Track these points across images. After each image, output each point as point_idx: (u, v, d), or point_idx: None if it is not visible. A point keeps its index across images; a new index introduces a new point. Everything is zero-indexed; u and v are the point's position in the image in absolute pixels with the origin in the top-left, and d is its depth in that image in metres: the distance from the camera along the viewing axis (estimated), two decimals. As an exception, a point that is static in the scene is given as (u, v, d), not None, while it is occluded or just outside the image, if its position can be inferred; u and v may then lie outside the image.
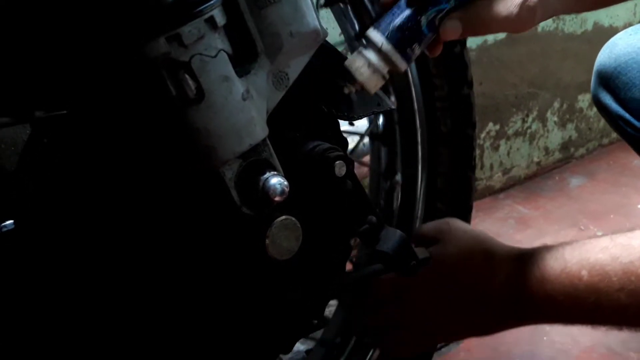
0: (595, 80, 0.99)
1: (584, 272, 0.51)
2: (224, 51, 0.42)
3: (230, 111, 0.43)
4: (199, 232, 0.47)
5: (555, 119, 1.89)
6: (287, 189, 0.45)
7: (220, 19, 0.41)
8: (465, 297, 0.60)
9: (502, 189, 1.78)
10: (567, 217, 1.63)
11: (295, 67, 0.48)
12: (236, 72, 0.44)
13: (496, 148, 1.74)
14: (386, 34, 0.54)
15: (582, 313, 0.53)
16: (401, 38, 0.54)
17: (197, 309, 0.50)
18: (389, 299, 0.61)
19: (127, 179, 0.44)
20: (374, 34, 0.54)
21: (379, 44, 0.54)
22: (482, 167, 1.71)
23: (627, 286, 0.49)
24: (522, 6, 0.53)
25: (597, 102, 1.00)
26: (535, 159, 1.88)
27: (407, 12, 0.53)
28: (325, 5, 0.71)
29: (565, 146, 1.94)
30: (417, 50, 0.55)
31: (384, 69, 0.54)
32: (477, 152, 1.69)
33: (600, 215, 1.61)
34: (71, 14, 0.37)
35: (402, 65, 0.55)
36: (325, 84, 0.53)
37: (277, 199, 0.45)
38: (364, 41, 0.55)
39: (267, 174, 0.45)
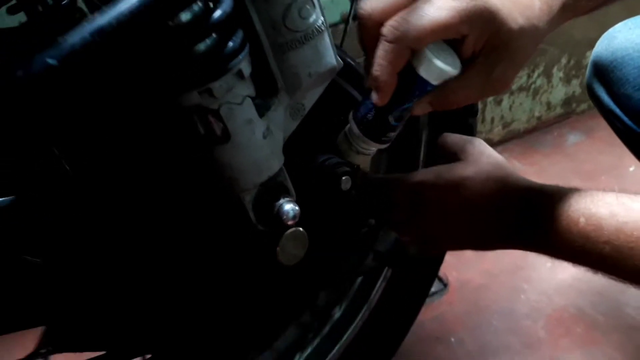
0: (591, 70, 1.00)
1: (582, 220, 0.55)
2: (249, 96, 0.47)
3: (252, 149, 0.48)
4: (225, 241, 0.54)
5: (561, 74, 1.90)
6: (298, 214, 0.51)
7: (246, 70, 0.46)
8: (475, 216, 0.64)
9: (500, 142, 1.83)
10: (560, 176, 1.68)
11: (311, 99, 0.53)
12: (257, 110, 0.49)
13: (499, 102, 1.77)
14: (360, 126, 0.58)
15: (569, 252, 0.58)
16: (373, 131, 0.58)
17: (215, 300, 0.58)
18: (407, 208, 0.64)
19: (166, 201, 0.50)
20: (352, 123, 0.58)
21: (356, 134, 0.58)
22: (483, 121, 1.75)
23: (613, 241, 0.54)
24: (490, 85, 0.56)
25: (590, 91, 1.02)
26: (537, 114, 1.91)
27: (375, 110, 0.56)
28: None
29: (567, 102, 1.96)
30: (394, 134, 0.59)
31: (367, 151, 0.59)
32: (480, 106, 1.73)
33: (592, 176, 1.66)
34: (127, 74, 0.41)
35: (381, 147, 0.59)
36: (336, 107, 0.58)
37: (289, 223, 0.51)
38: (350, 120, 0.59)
39: (282, 200, 0.51)
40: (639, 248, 0.52)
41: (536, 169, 1.73)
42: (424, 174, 0.63)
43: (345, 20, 0.83)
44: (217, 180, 0.49)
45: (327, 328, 0.85)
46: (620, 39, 0.97)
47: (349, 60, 0.65)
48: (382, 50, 0.53)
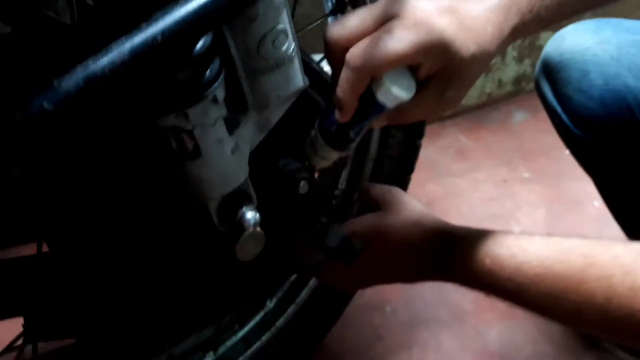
0: (540, 67, 1.05)
1: (487, 260, 0.64)
2: (221, 117, 0.50)
3: (221, 164, 0.53)
4: (192, 240, 0.59)
5: (515, 53, 1.97)
6: (258, 221, 0.56)
7: (220, 95, 0.49)
8: (399, 258, 0.73)
9: (450, 117, 1.90)
10: (503, 154, 1.77)
11: (277, 115, 0.57)
12: (228, 127, 0.52)
13: (453, 78, 1.82)
14: (324, 136, 0.63)
15: (480, 287, 0.66)
16: (335, 141, 0.63)
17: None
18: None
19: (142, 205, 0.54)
20: (317, 133, 0.63)
21: (320, 142, 0.63)
22: (436, 95, 1.80)
23: (513, 278, 0.62)
24: (441, 105, 0.61)
25: (537, 86, 1.08)
26: (487, 90, 1.98)
27: (337, 124, 0.61)
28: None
29: (518, 80, 2.04)
30: (354, 144, 0.64)
31: (330, 157, 0.64)
32: (435, 80, 1.79)
33: (531, 157, 1.76)
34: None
35: (342, 154, 0.64)
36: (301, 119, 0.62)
37: (249, 229, 0.56)
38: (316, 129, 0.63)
39: (244, 208, 0.56)
40: (534, 284, 0.60)
41: (481, 145, 1.81)
42: (353, 226, 0.72)
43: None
44: (187, 189, 0.53)
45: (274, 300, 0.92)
46: (568, 41, 1.02)
47: (313, 66, 0.69)
48: (345, 75, 0.57)
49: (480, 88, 1.91)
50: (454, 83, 0.61)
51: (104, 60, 0.37)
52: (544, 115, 1.14)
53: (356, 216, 0.74)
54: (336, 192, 0.89)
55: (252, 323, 0.89)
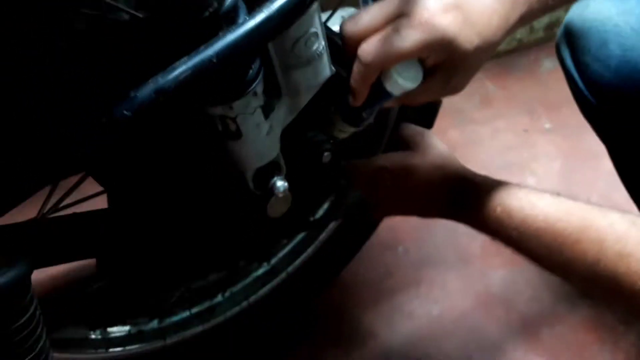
0: (562, 32, 1.06)
1: (499, 209, 0.71)
2: (260, 106, 0.60)
3: (258, 144, 0.63)
4: (234, 200, 0.71)
5: None
6: (287, 189, 0.67)
7: (260, 89, 0.59)
8: (420, 196, 0.81)
9: (479, 63, 1.92)
10: (527, 103, 1.78)
11: (307, 99, 0.66)
12: (264, 111, 0.62)
13: (485, 24, 1.83)
14: (341, 114, 0.71)
15: (488, 231, 0.75)
16: (351, 119, 0.71)
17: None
18: (367, 187, 0.83)
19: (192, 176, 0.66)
20: (335, 110, 0.72)
21: (338, 119, 0.72)
22: (466, 41, 1.82)
23: (519, 228, 0.69)
24: (447, 90, 0.68)
25: (557, 50, 1.11)
26: (518, 36, 1.97)
27: (352, 107, 0.69)
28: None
29: (550, 26, 2.02)
30: (368, 122, 0.72)
31: (347, 130, 0.73)
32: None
33: (554, 107, 1.76)
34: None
35: (358, 129, 0.73)
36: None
37: (279, 195, 0.67)
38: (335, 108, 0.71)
39: (275, 177, 0.67)
40: (536, 236, 0.68)
41: (507, 93, 1.83)
42: (382, 160, 0.80)
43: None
44: (229, 162, 0.64)
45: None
46: (592, 8, 1.02)
47: (337, 41, 0.76)
48: (357, 68, 0.65)
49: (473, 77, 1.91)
50: (459, 72, 0.67)
51: (170, 77, 0.47)
52: (573, 63, 1.16)
53: (386, 151, 0.82)
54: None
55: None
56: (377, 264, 1.35)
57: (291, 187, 0.71)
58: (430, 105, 0.95)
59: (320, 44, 0.61)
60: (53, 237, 0.65)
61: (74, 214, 0.66)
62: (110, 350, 0.91)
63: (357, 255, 1.23)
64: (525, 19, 0.69)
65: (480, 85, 1.86)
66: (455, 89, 0.70)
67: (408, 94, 0.68)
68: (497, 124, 1.74)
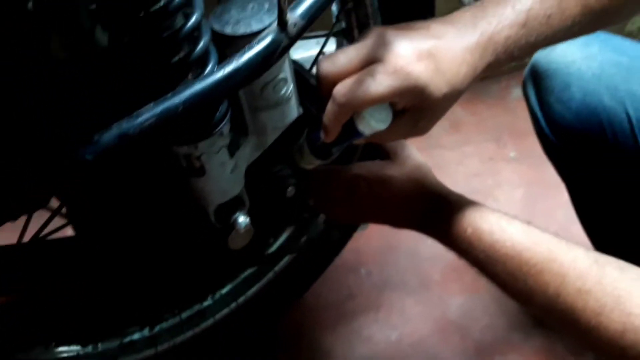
0: (528, 70, 1.10)
1: (469, 229, 0.72)
2: (225, 146, 0.61)
3: (221, 181, 0.64)
4: (193, 232, 0.71)
5: (522, 30, 1.99)
6: (249, 224, 0.68)
7: (226, 129, 0.60)
8: (394, 207, 0.82)
9: (451, 87, 1.95)
10: (494, 130, 1.82)
11: (273, 137, 0.67)
12: (229, 149, 0.63)
13: (458, 51, 1.86)
14: (310, 148, 0.72)
15: (457, 250, 0.75)
16: (320, 153, 0.73)
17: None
18: (341, 194, 0.83)
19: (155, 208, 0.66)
20: (305, 143, 0.72)
21: (307, 152, 0.72)
22: (439, 66, 1.85)
23: (487, 252, 0.70)
24: (414, 132, 0.70)
25: (523, 87, 1.15)
26: (491, 63, 2.01)
27: (322, 141, 0.69)
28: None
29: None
30: (336, 156, 0.74)
31: (314, 163, 0.74)
32: (440, 52, 1.84)
33: (520, 135, 1.80)
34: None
35: (325, 163, 0.74)
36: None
37: (240, 231, 0.68)
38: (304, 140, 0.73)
39: (237, 213, 0.68)
40: (502, 261, 0.70)
41: (475, 119, 1.87)
42: (358, 169, 0.81)
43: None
44: (191, 197, 0.65)
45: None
46: (558, 51, 1.07)
47: (309, 79, 0.78)
48: (331, 107, 0.66)
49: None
50: (426, 116, 0.69)
51: (135, 122, 0.47)
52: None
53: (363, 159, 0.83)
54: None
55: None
56: (340, 286, 1.37)
57: (253, 220, 0.72)
58: None
59: (289, 88, 0.62)
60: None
61: (40, 239, 0.66)
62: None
63: (320, 276, 1.24)
64: (491, 68, 0.71)
65: (451, 110, 1.88)
66: (421, 131, 0.72)
67: (375, 134, 0.70)
68: (464, 150, 1.77)
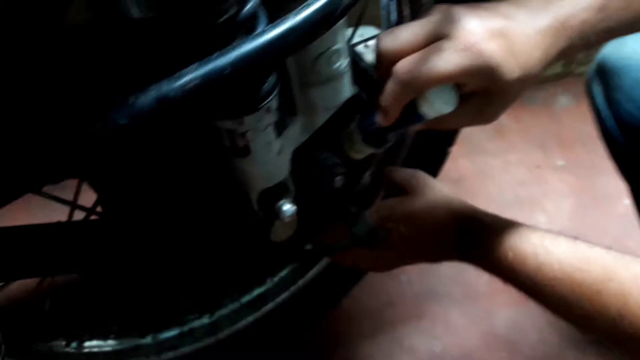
0: (594, 68, 1.04)
1: (510, 254, 0.67)
2: (272, 123, 0.55)
3: (267, 163, 0.58)
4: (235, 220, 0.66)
5: (570, 35, 1.92)
6: (294, 213, 0.62)
7: (274, 105, 0.54)
8: (425, 242, 0.77)
9: (494, 93, 1.88)
10: (539, 138, 1.76)
11: (322, 119, 0.62)
12: (276, 128, 0.57)
13: (503, 55, 1.80)
14: (363, 134, 0.66)
15: (500, 276, 0.71)
16: (373, 140, 0.67)
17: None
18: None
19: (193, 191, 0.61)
20: (356, 129, 0.67)
21: (358, 138, 0.67)
22: (483, 70, 1.79)
23: (533, 277, 0.65)
24: (481, 118, 0.64)
25: (588, 86, 1.09)
26: (536, 70, 1.94)
27: (377, 126, 0.64)
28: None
29: (568, 62, 1.99)
30: (390, 144, 0.67)
31: (365, 152, 0.68)
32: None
33: (568, 144, 1.74)
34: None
35: (377, 151, 0.68)
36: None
37: (285, 220, 0.62)
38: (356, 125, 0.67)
39: (282, 200, 0.62)
40: (551, 286, 0.64)
41: (520, 126, 1.80)
42: (381, 211, 0.76)
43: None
44: (233, 180, 0.59)
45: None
46: (629, 47, 0.99)
47: (361, 64, 0.72)
48: (391, 87, 0.61)
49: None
50: (495, 102, 0.64)
51: (176, 85, 0.42)
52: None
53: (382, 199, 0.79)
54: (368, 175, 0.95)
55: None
56: (380, 293, 1.30)
57: (298, 210, 0.67)
58: (442, 150, 0.91)
59: (343, 63, 0.57)
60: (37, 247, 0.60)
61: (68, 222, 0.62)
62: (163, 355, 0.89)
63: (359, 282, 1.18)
64: (564, 55, 0.66)
65: (494, 115, 1.83)
66: (487, 119, 0.66)
67: (439, 119, 0.64)
68: (509, 157, 1.71)
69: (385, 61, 0.61)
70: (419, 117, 0.63)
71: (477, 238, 0.72)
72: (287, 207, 0.62)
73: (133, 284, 0.83)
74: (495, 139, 1.75)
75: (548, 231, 0.70)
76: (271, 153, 0.58)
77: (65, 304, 0.97)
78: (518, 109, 1.85)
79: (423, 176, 0.80)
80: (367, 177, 0.92)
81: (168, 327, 0.94)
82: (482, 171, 1.66)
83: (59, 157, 0.42)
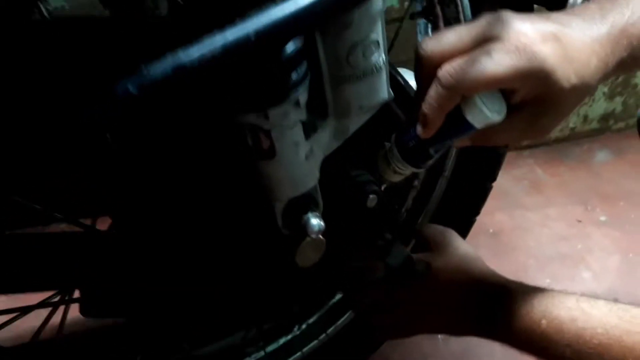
0: None
1: (544, 322, 0.60)
2: (300, 122, 0.50)
3: (294, 167, 0.52)
4: (252, 237, 0.59)
5: (605, 90, 1.88)
6: (323, 229, 0.55)
7: (303, 99, 0.49)
8: (443, 306, 0.70)
9: (528, 147, 1.83)
10: (579, 192, 1.69)
11: (356, 124, 0.56)
12: (305, 130, 0.52)
13: (537, 108, 1.76)
14: (401, 150, 0.60)
15: (532, 350, 0.63)
16: (412, 157, 0.61)
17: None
18: (383, 296, 0.73)
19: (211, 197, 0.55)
20: (393, 145, 0.61)
21: (396, 156, 0.61)
22: (516, 123, 1.75)
23: (573, 345, 0.58)
24: (532, 132, 0.58)
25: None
26: (571, 125, 1.90)
27: (417, 140, 0.58)
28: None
29: (605, 117, 1.95)
30: (431, 162, 0.61)
31: (403, 172, 0.62)
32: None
33: (611, 199, 1.67)
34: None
35: (417, 171, 0.62)
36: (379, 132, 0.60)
37: (313, 236, 0.55)
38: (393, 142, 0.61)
39: (310, 214, 0.55)
40: (597, 354, 0.56)
41: (558, 181, 1.74)
42: None
43: (400, 19, 0.85)
44: (256, 186, 0.53)
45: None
46: None
47: (398, 78, 0.67)
48: (434, 92, 0.55)
49: (563, 122, 1.83)
50: (549, 112, 0.57)
51: (195, 52, 0.37)
52: (629, 157, 1.08)
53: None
54: (403, 210, 0.87)
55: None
56: (413, 352, 1.20)
57: (326, 233, 0.60)
58: (494, 154, 0.84)
59: (380, 57, 0.51)
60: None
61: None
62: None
63: (392, 341, 1.10)
64: (625, 66, 0.60)
65: (529, 170, 1.77)
66: (540, 131, 0.60)
67: (486, 132, 0.58)
68: (547, 211, 1.63)
69: (428, 65, 0.56)
70: (464, 128, 0.57)
71: (501, 305, 0.65)
72: (316, 222, 0.55)
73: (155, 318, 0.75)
74: (532, 193, 1.69)
75: (582, 294, 0.62)
76: (298, 156, 0.52)
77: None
78: (554, 164, 1.80)
79: (450, 234, 0.75)
80: (404, 208, 0.86)
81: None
82: (520, 225, 1.58)
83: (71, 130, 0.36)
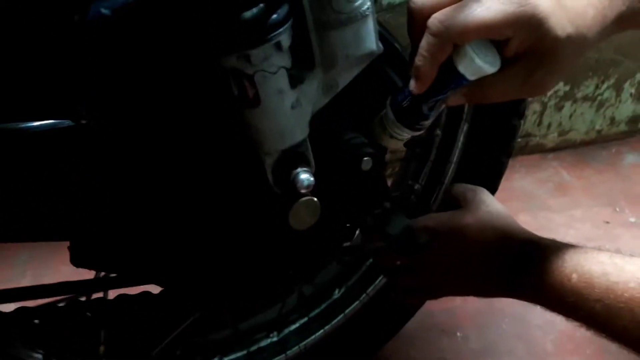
0: None
1: (575, 276, 0.58)
2: (284, 67, 0.49)
3: (279, 117, 0.51)
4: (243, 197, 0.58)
5: (632, 90, 1.83)
6: (312, 184, 0.54)
7: (285, 42, 0.48)
8: (473, 264, 0.68)
9: (553, 149, 1.79)
10: (607, 195, 1.64)
11: (345, 78, 0.55)
12: (291, 80, 0.51)
13: (559, 109, 1.73)
14: (395, 112, 0.59)
15: (561, 306, 0.60)
16: (407, 118, 0.59)
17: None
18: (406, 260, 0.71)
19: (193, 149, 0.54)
20: (388, 108, 0.60)
21: (390, 119, 0.60)
22: (539, 124, 1.72)
23: (604, 300, 0.55)
24: (528, 88, 0.56)
25: None
26: (597, 127, 1.85)
27: (410, 98, 0.57)
28: None
29: (634, 120, 1.89)
30: (427, 123, 0.60)
31: (399, 136, 0.61)
32: (539, 109, 1.70)
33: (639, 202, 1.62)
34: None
35: (414, 134, 0.61)
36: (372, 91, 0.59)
37: (302, 191, 0.54)
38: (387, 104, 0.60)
39: (299, 169, 0.54)
40: (628, 309, 0.54)
41: (583, 183, 1.69)
42: (426, 220, 0.68)
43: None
44: (244, 139, 0.52)
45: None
46: None
47: (396, 45, 0.66)
48: (425, 42, 0.54)
49: (588, 123, 1.79)
50: (544, 64, 0.55)
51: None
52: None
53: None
54: (416, 187, 0.85)
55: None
56: (432, 349, 1.16)
57: (321, 197, 0.58)
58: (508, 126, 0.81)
59: (366, 2, 0.51)
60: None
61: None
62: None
63: (409, 338, 1.10)
64: (624, 22, 0.58)
65: (554, 172, 1.73)
66: (537, 86, 0.58)
67: (480, 87, 0.56)
68: (573, 213, 1.58)
69: (419, 18, 0.55)
70: (456, 80, 0.56)
71: (533, 263, 0.62)
72: (304, 177, 0.54)
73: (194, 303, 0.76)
74: (557, 195, 1.65)
75: (616, 252, 0.59)
76: (284, 105, 0.51)
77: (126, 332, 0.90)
78: (580, 167, 1.75)
79: (481, 191, 0.72)
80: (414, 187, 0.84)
81: (234, 350, 0.86)
82: (545, 227, 1.53)
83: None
